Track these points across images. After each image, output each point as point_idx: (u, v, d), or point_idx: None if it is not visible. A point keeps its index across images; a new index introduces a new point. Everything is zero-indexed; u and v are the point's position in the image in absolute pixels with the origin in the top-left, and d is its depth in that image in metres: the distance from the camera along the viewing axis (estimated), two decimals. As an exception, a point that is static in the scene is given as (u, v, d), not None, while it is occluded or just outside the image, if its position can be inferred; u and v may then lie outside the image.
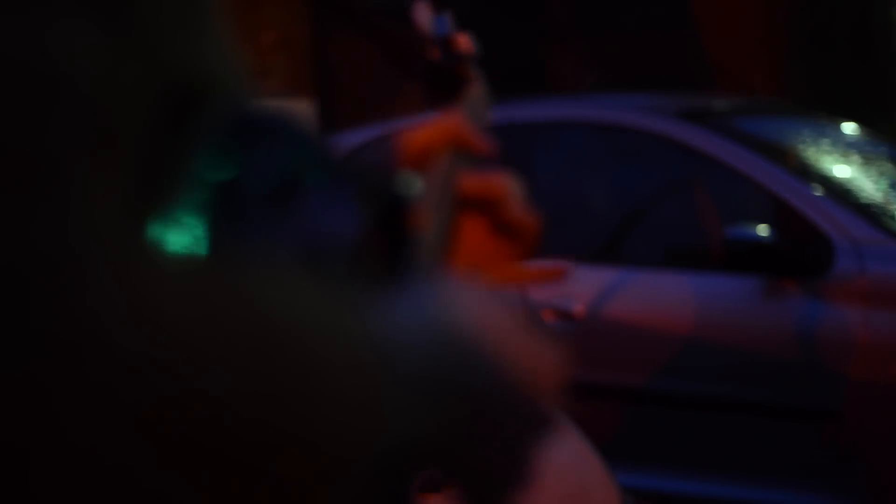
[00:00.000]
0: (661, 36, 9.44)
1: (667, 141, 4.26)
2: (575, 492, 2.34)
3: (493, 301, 0.63)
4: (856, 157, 4.58)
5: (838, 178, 4.33)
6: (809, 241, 3.88)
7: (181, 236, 0.50)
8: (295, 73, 12.52)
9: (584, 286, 4.08)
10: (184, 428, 0.43)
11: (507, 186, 0.85)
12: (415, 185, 0.76)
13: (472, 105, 1.03)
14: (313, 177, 0.61)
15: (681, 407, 4.00)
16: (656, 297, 4.07)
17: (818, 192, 4.01)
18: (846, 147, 4.68)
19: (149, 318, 0.43)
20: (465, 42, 1.08)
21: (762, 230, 3.78)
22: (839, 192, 4.12)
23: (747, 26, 6.28)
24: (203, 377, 0.44)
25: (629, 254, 4.31)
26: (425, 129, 0.86)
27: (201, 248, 0.50)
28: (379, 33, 11.73)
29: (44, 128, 0.45)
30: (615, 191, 4.57)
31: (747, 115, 4.81)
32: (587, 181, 4.57)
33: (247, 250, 0.54)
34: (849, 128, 4.94)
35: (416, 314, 0.57)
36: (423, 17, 1.07)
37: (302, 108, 12.38)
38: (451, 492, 0.61)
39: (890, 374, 3.66)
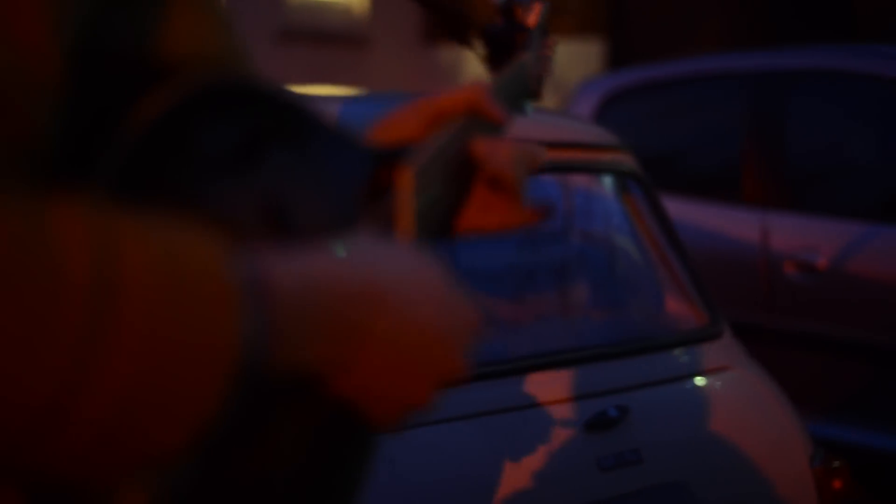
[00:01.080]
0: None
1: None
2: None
3: (419, 256, 0.71)
4: None
5: None
6: None
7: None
8: (588, 11, 12.53)
9: (828, 239, 4.02)
10: None
11: (509, 152, 0.97)
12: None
13: (512, 75, 1.11)
14: (278, 136, 0.70)
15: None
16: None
17: None
18: None
19: None
20: (531, 14, 1.17)
21: None
22: None
23: None
24: None
25: (876, 209, 4.19)
26: (449, 94, 0.98)
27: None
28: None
29: None
30: (873, 144, 4.43)
31: None
32: (847, 134, 4.44)
33: (202, 202, 0.62)
34: None
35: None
36: None
37: (593, 49, 12.38)
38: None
39: None
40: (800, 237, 4.10)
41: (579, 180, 2.77)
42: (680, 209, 4.35)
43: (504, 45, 1.16)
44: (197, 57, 0.72)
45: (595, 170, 2.66)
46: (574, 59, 12.57)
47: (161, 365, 0.53)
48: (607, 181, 2.72)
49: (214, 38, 0.74)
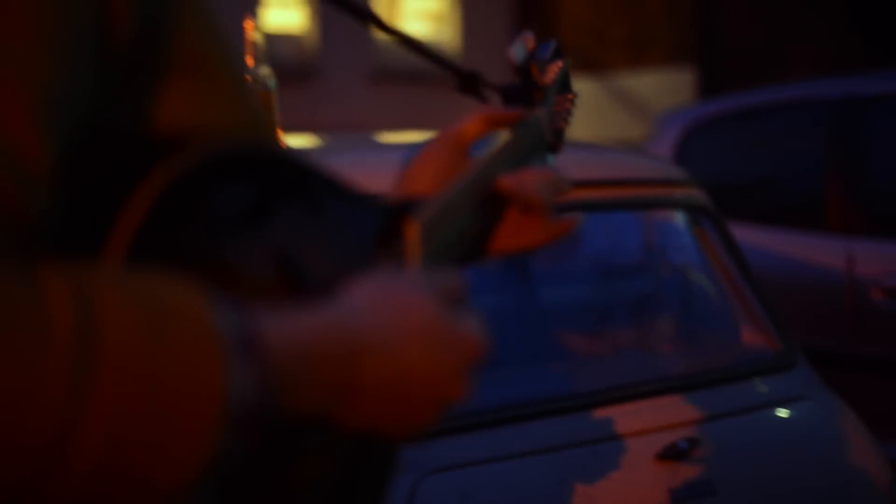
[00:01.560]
0: None
1: None
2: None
3: (417, 287, 0.77)
4: None
5: None
6: None
7: None
8: (679, 40, 12.50)
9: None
10: None
11: (535, 179, 1.06)
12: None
13: (526, 131, 1.18)
14: (288, 196, 0.77)
15: None
16: None
17: None
18: None
19: None
20: (549, 73, 1.25)
21: None
22: None
23: None
24: None
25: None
26: (468, 119, 1.10)
27: None
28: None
29: None
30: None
31: None
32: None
33: (214, 261, 0.69)
34: None
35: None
36: (515, 44, 1.25)
37: (683, 78, 12.35)
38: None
39: None
40: (887, 263, 4.08)
41: (652, 216, 2.82)
42: (765, 238, 4.36)
43: (521, 102, 1.23)
44: (207, 127, 0.78)
45: (667, 205, 2.71)
46: (665, 89, 12.55)
47: (147, 411, 0.59)
48: (679, 216, 2.77)
49: (226, 108, 0.81)
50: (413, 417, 0.77)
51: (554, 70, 1.27)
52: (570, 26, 14.23)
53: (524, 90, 1.24)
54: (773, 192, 4.92)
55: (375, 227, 0.89)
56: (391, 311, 0.75)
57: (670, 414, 2.27)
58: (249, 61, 2.40)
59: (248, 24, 2.38)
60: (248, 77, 2.50)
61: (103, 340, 0.58)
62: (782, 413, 2.44)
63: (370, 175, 1.86)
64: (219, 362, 0.62)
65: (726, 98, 5.19)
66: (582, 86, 14.14)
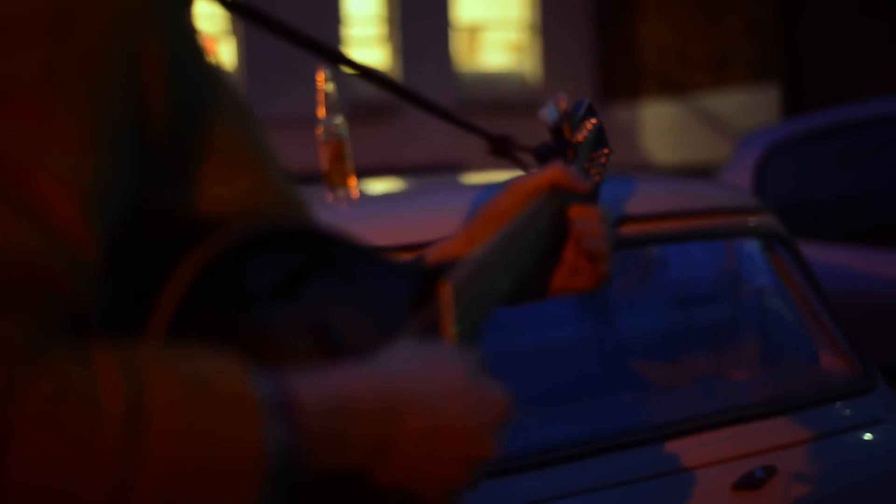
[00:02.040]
0: None
1: None
2: None
3: (444, 359, 0.83)
4: None
5: None
6: None
7: None
8: (763, 58, 12.40)
9: None
10: None
11: (595, 218, 1.11)
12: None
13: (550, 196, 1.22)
14: (322, 266, 0.82)
15: None
16: None
17: None
18: None
19: None
20: (582, 132, 1.30)
21: None
22: None
23: None
24: None
25: None
26: (535, 175, 1.15)
27: None
28: (851, 13, 11.29)
29: None
30: None
31: None
32: None
33: (252, 331, 0.75)
34: None
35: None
36: (547, 106, 1.29)
37: (766, 97, 12.22)
38: None
39: None
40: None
41: (726, 244, 2.83)
42: (852, 258, 4.32)
43: (554, 157, 1.28)
44: (244, 207, 0.84)
45: (741, 233, 2.72)
46: (749, 108, 12.44)
47: (194, 473, 0.65)
48: (753, 243, 2.77)
49: (260, 188, 0.86)
50: (447, 475, 0.81)
51: (587, 127, 1.32)
52: (651, 49, 14.19)
53: (556, 149, 1.29)
54: (859, 211, 4.87)
55: (410, 291, 0.94)
56: (425, 370, 0.81)
57: (747, 442, 2.27)
58: (322, 112, 2.47)
59: (320, 76, 2.46)
60: (321, 128, 2.57)
61: (151, 413, 0.64)
62: (862, 437, 2.43)
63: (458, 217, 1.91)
64: (258, 424, 0.68)
65: (807, 117, 5.16)
66: (665, 108, 14.07)
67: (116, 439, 0.63)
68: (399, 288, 0.93)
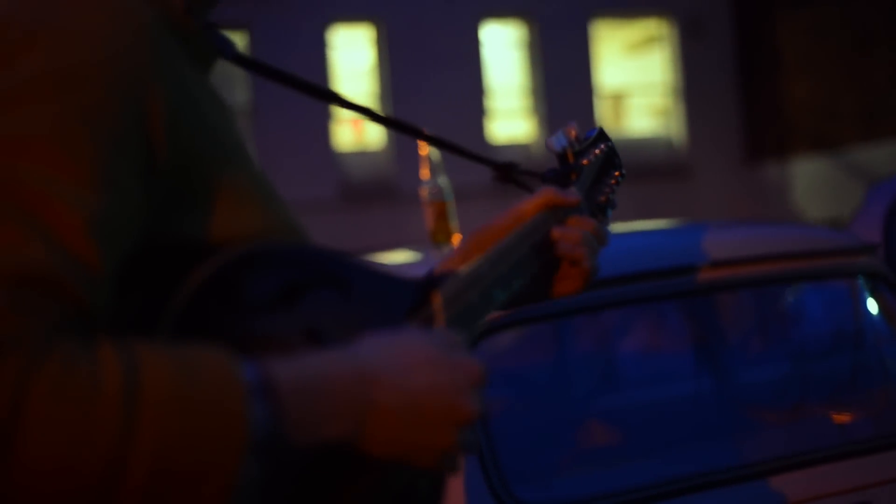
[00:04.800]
0: None
1: None
2: None
3: (418, 332, 0.93)
4: None
5: None
6: None
7: None
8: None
9: None
10: None
11: (578, 235, 1.25)
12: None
13: (576, 188, 1.36)
14: (319, 282, 0.94)
15: None
16: None
17: None
18: None
19: None
20: (589, 156, 1.40)
21: None
22: None
23: None
24: None
25: None
26: (529, 200, 1.27)
27: None
28: None
29: None
30: None
31: None
32: None
33: (248, 338, 0.86)
34: None
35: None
36: (556, 134, 1.40)
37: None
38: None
39: None
40: None
41: (833, 285, 2.87)
42: None
43: (557, 183, 1.37)
44: (246, 236, 0.96)
45: (844, 274, 2.75)
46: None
47: (184, 443, 0.77)
48: (857, 283, 2.81)
49: (262, 221, 0.99)
50: (434, 439, 0.91)
51: (595, 153, 1.41)
52: (798, 107, 14.05)
53: (561, 173, 1.39)
54: None
55: (408, 301, 1.06)
56: (394, 347, 0.92)
57: (848, 479, 2.30)
58: (425, 173, 2.62)
59: (422, 145, 2.61)
60: (425, 189, 2.71)
61: (144, 392, 0.78)
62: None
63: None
64: (241, 401, 0.80)
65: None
66: (814, 164, 13.86)
67: (115, 412, 0.75)
68: (398, 299, 1.05)
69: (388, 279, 1.06)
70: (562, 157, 1.39)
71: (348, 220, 13.45)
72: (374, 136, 14.19)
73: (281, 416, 0.83)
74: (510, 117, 14.36)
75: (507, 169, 1.40)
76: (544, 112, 14.35)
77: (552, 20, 14.13)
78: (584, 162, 1.40)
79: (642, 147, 14.89)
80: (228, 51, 1.13)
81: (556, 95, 14.28)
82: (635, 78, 15.17)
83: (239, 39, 13.45)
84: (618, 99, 15.16)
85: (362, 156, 14.04)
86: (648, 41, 15.24)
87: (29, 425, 0.75)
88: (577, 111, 14.23)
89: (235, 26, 13.51)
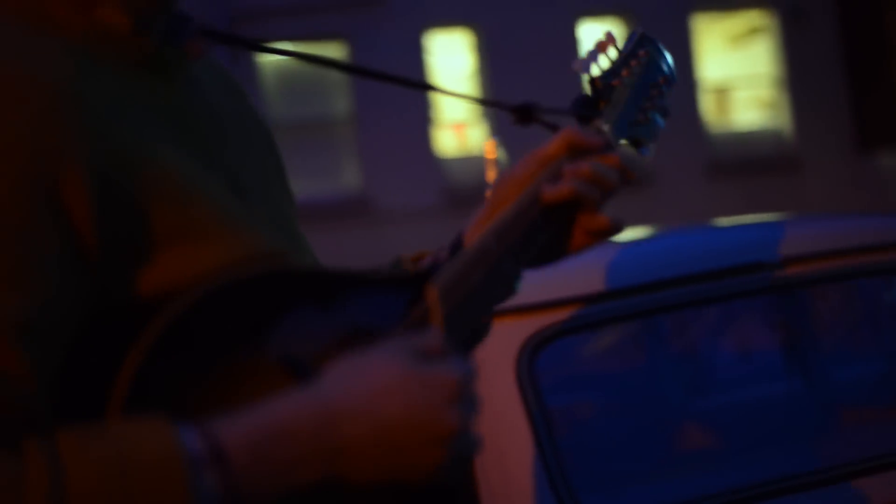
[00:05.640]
0: None
1: None
2: None
3: (382, 353, 0.87)
4: None
5: None
6: None
7: None
8: None
9: None
10: None
11: (592, 170, 1.12)
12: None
13: (603, 118, 1.22)
14: (298, 303, 0.88)
15: None
16: None
17: None
18: None
19: None
20: (627, 70, 1.25)
21: None
22: None
23: None
24: None
25: None
26: (549, 142, 1.15)
27: None
28: None
29: None
30: None
31: None
32: None
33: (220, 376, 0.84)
34: None
35: None
36: (585, 55, 1.25)
37: None
38: None
39: None
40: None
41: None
42: None
43: (589, 115, 1.23)
44: (211, 273, 0.90)
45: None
46: None
47: None
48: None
49: (230, 252, 0.92)
50: (422, 460, 0.86)
51: (631, 64, 1.26)
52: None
53: (588, 102, 1.24)
54: None
55: (406, 299, 0.99)
56: (356, 378, 0.86)
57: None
58: (491, 177, 2.59)
59: (490, 145, 2.59)
60: (490, 193, 2.66)
61: (70, 488, 0.75)
62: None
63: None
64: (183, 476, 0.77)
65: None
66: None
67: None
68: (394, 300, 0.98)
69: (380, 282, 1.00)
70: (590, 82, 1.25)
71: (453, 226, 13.43)
72: (476, 140, 14.18)
73: (234, 480, 0.80)
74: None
75: (525, 110, 1.22)
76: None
77: (651, 16, 13.94)
78: (615, 83, 1.24)
79: (749, 140, 14.62)
80: (187, 35, 1.02)
81: (659, 91, 14.08)
82: (739, 71, 14.90)
83: (339, 50, 13.57)
84: (721, 93, 14.91)
85: (465, 161, 14.03)
86: (751, 32, 14.96)
87: None
88: (679, 106, 13.97)
89: (334, 37, 13.63)
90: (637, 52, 1.27)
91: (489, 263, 1.04)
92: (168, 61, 0.99)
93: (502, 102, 1.25)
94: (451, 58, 14.11)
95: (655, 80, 1.27)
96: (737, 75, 14.91)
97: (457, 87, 14.01)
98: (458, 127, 14.12)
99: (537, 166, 1.15)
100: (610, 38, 1.25)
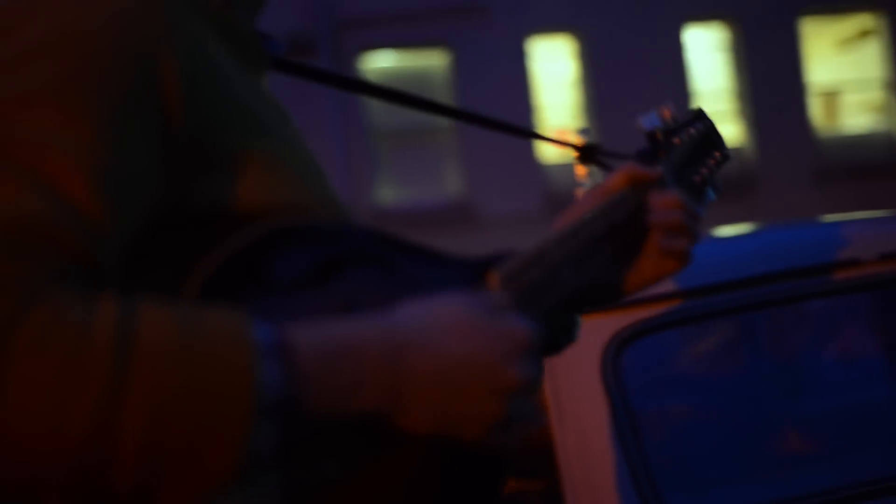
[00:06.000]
0: None
1: None
2: None
3: (455, 297, 0.88)
4: None
5: None
6: None
7: None
8: None
9: None
10: None
11: (670, 203, 1.21)
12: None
13: (661, 166, 1.32)
14: (359, 259, 0.89)
15: None
16: None
17: None
18: None
19: None
20: (679, 136, 1.37)
21: None
22: None
23: None
24: None
25: None
26: (611, 176, 1.24)
27: None
28: None
29: None
30: None
31: None
32: None
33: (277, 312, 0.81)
34: None
35: None
36: (649, 114, 1.37)
37: None
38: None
39: None
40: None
41: None
42: None
43: (651, 157, 1.35)
44: (282, 211, 0.92)
45: None
46: None
47: (182, 399, 0.73)
48: None
49: (299, 197, 0.94)
50: (479, 411, 0.85)
51: (690, 131, 1.39)
52: None
53: (649, 152, 1.35)
54: None
55: (466, 282, 1.00)
56: (428, 315, 0.87)
57: None
58: (580, 193, 2.58)
59: (580, 168, 2.59)
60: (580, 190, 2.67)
61: (138, 342, 0.74)
62: None
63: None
64: (248, 362, 0.76)
65: None
66: None
67: (103, 365, 0.72)
68: (453, 280, 0.98)
69: (443, 260, 1.01)
70: (651, 136, 1.36)
71: (555, 232, 13.39)
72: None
73: (299, 380, 0.79)
74: (716, 121, 14.05)
75: (588, 151, 1.38)
76: (752, 114, 13.96)
77: (757, 21, 13.73)
78: (676, 141, 1.37)
79: (860, 144, 14.31)
80: (274, 51, 1.10)
81: (764, 97, 13.88)
82: (848, 74, 14.59)
83: (441, 57, 13.63)
84: (830, 96, 14.60)
85: (567, 167, 13.98)
86: (860, 35, 14.63)
87: (11, 370, 0.72)
88: (786, 112, 13.79)
89: (437, 45, 13.70)
90: (695, 124, 1.41)
91: (549, 265, 1.07)
92: (245, 46, 1.03)
93: (565, 141, 1.42)
94: (553, 64, 14.07)
95: (711, 153, 1.41)
96: (846, 79, 14.60)
97: (559, 93, 13.95)
98: (561, 134, 14.08)
99: (600, 195, 1.23)
100: (671, 108, 1.39)
